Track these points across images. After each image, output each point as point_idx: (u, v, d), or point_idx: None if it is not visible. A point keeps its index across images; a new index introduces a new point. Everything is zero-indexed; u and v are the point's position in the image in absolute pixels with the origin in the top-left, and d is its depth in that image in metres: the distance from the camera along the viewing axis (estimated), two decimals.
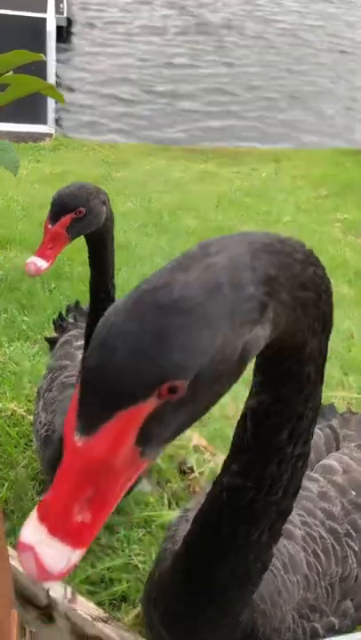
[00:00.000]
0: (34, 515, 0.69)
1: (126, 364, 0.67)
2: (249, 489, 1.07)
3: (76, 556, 0.68)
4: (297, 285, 0.84)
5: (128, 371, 0.67)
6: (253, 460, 1.06)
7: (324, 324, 0.96)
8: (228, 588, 1.23)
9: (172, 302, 0.69)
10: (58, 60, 10.59)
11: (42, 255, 1.78)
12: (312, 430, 1.08)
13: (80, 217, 1.81)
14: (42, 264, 1.77)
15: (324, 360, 1.03)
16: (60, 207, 1.80)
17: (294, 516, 1.64)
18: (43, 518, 0.68)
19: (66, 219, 1.79)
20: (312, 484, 1.78)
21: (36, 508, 0.70)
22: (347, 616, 1.58)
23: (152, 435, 0.70)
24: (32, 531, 0.68)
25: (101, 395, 0.67)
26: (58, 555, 0.66)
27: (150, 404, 0.68)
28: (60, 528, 0.67)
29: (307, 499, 1.72)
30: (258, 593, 1.39)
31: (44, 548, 0.66)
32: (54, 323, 2.93)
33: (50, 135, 8.88)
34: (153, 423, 0.69)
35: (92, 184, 1.94)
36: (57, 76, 10.17)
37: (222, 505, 1.13)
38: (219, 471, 2.77)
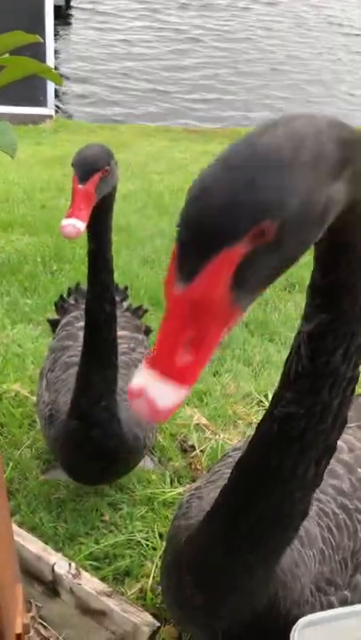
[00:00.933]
0: (143, 366, 0.77)
1: (223, 208, 0.75)
2: (301, 417, 1.13)
3: (182, 393, 0.75)
4: None
5: (224, 213, 0.74)
6: (308, 384, 1.12)
7: None
8: (272, 529, 1.26)
9: (263, 151, 0.78)
10: (56, 40, 10.49)
11: (77, 216, 1.75)
12: None
13: (106, 176, 1.82)
14: (80, 225, 1.74)
15: None
16: (90, 166, 1.80)
17: None
18: (151, 365, 0.76)
19: (96, 177, 1.79)
20: None
21: (144, 361, 0.78)
22: (358, 590, 1.62)
23: (245, 279, 0.78)
24: (142, 376, 0.76)
25: (199, 240, 0.75)
26: (166, 392, 0.74)
27: (243, 247, 0.76)
28: (167, 369, 0.75)
29: None
30: (279, 565, 1.42)
31: (154, 388, 0.74)
32: (56, 305, 2.96)
33: (50, 117, 8.83)
34: (246, 268, 0.77)
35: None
36: (56, 55, 10.07)
37: (272, 438, 1.18)
38: (220, 449, 2.81)
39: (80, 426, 2.14)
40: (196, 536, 1.43)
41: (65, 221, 1.74)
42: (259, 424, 1.22)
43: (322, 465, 1.22)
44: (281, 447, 1.17)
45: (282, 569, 1.44)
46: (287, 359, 1.15)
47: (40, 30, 8.26)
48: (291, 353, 1.15)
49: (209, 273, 0.75)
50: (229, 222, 0.75)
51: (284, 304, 4.32)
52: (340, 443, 1.90)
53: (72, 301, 2.87)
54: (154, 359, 0.77)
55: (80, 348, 2.47)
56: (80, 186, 1.78)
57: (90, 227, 1.89)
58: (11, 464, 2.62)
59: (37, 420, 2.76)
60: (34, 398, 2.92)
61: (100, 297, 2.05)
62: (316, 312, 1.09)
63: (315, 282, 1.08)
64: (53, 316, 3.03)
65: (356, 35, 14.28)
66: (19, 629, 1.29)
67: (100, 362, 2.10)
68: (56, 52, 10.27)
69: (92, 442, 2.14)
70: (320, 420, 1.13)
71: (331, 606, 1.55)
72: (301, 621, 1.35)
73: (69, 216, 1.75)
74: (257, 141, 0.80)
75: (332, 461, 1.82)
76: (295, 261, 0.86)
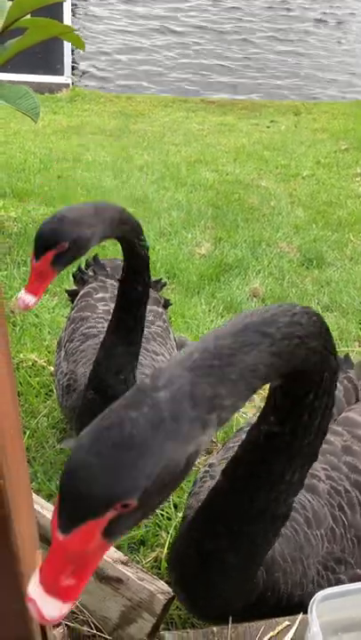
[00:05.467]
0: (36, 575, 0.91)
1: (86, 491, 0.86)
2: (285, 434, 1.23)
3: (65, 607, 0.90)
4: (249, 376, 0.98)
5: (87, 496, 0.86)
6: (287, 414, 1.22)
7: (322, 356, 1.12)
8: (253, 531, 1.31)
9: (122, 440, 0.87)
10: (73, 6, 10.32)
11: (30, 290, 1.76)
12: (335, 385, 1.21)
13: (63, 251, 1.74)
14: (30, 300, 1.75)
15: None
16: (42, 244, 1.74)
17: (319, 470, 1.69)
18: (41, 581, 0.90)
19: (48, 255, 1.73)
20: (336, 437, 1.80)
21: (37, 569, 0.92)
22: None
23: (114, 531, 0.89)
24: (34, 588, 0.91)
25: (70, 509, 0.87)
26: (51, 607, 0.90)
27: (109, 515, 0.87)
28: (52, 590, 0.90)
29: (331, 453, 1.75)
30: (279, 552, 1.45)
31: (42, 603, 0.90)
32: (74, 276, 2.95)
33: (67, 86, 8.73)
34: (114, 524, 0.88)
35: (83, 206, 1.82)
36: (72, 23, 9.91)
37: (260, 448, 1.26)
38: (234, 422, 2.81)
39: (96, 397, 2.15)
40: (184, 532, 1.48)
41: (19, 294, 1.76)
42: (249, 430, 1.30)
43: (305, 468, 1.31)
44: (270, 456, 1.27)
45: (281, 555, 1.48)
46: (269, 387, 1.22)
47: None
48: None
49: (79, 534, 0.87)
50: (92, 502, 0.86)
51: (302, 280, 4.29)
52: (356, 417, 1.90)
53: (90, 272, 2.87)
54: (41, 577, 0.90)
55: (98, 319, 2.46)
56: (35, 261, 1.75)
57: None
58: (28, 432, 2.65)
59: (54, 389, 2.77)
60: (51, 368, 2.94)
61: (134, 280, 2.04)
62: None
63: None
64: (71, 286, 3.03)
65: None
66: None
67: (125, 338, 2.10)
68: (72, 19, 10.11)
69: None
70: (304, 435, 1.23)
71: (340, 584, 1.56)
72: (319, 595, 1.36)
73: (25, 289, 1.77)
74: (119, 428, 0.87)
75: (347, 437, 1.83)
76: (161, 505, 0.99)
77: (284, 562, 1.47)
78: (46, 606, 0.90)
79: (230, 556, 1.33)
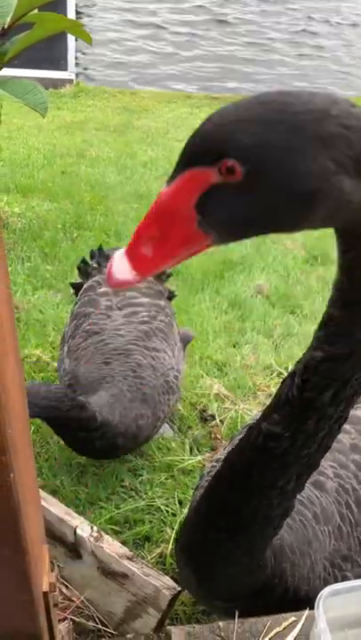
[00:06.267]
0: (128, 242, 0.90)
1: (205, 133, 0.83)
2: (285, 439, 1.15)
3: (132, 276, 0.88)
4: None
5: (203, 138, 0.83)
6: (295, 413, 1.13)
7: None
8: (250, 529, 1.29)
9: (269, 102, 0.82)
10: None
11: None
12: (355, 400, 1.14)
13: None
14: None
15: None
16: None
17: (327, 468, 1.69)
18: (129, 243, 0.89)
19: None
20: (344, 435, 1.80)
21: None
22: None
23: (211, 209, 0.84)
24: (119, 251, 0.90)
25: (183, 153, 0.85)
26: (122, 269, 0.88)
27: (212, 174, 0.82)
28: (130, 252, 0.88)
29: (339, 451, 1.75)
30: (287, 544, 1.44)
31: (117, 261, 0.88)
32: (79, 268, 2.94)
33: (70, 81, 8.70)
34: (213, 197, 0.83)
35: None
36: (77, 18, 9.88)
37: (256, 449, 1.20)
38: (239, 419, 2.82)
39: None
40: (189, 519, 1.47)
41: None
42: (249, 428, 1.24)
43: (303, 478, 1.25)
44: (263, 461, 1.20)
45: (291, 547, 1.47)
46: (283, 380, 1.16)
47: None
48: (286, 377, 1.16)
49: (179, 183, 0.84)
50: (203, 146, 0.83)
51: (306, 276, 4.29)
52: None
53: (95, 265, 2.85)
54: (131, 240, 0.89)
55: (100, 316, 2.48)
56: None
57: None
58: (32, 428, 2.65)
59: (59, 383, 2.77)
60: (55, 364, 2.93)
61: None
62: (317, 344, 1.09)
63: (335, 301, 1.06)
64: (76, 280, 3.03)
65: None
66: (45, 588, 1.31)
67: None
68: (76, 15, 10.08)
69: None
70: (303, 445, 1.16)
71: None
72: (325, 591, 1.36)
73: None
74: (275, 94, 0.83)
75: (355, 435, 1.82)
76: (269, 224, 0.88)
77: (292, 554, 1.47)
78: (119, 265, 0.88)
79: (232, 547, 1.33)
